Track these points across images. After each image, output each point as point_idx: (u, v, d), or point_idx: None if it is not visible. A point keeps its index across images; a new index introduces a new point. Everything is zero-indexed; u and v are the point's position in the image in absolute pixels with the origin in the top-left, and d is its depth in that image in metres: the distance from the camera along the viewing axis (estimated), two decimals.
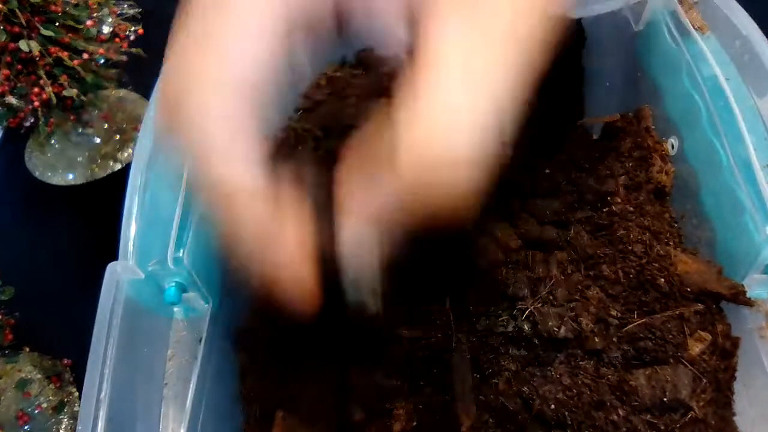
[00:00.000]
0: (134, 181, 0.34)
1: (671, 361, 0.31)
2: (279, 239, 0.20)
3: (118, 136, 0.65)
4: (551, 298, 0.33)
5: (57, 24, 0.52)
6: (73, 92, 0.54)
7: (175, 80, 0.20)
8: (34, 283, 0.57)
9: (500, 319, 0.33)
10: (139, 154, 0.34)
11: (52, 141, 0.64)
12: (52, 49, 0.52)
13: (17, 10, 0.49)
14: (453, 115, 0.17)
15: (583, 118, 0.49)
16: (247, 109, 0.20)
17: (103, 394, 0.28)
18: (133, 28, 0.60)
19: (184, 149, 0.20)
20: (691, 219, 0.39)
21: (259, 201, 0.20)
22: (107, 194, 0.62)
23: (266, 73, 0.20)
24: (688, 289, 0.32)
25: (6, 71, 0.51)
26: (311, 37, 0.22)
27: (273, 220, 0.20)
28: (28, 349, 0.52)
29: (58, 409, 0.49)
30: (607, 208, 0.38)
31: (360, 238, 0.20)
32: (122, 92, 0.67)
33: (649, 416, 0.30)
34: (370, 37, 0.22)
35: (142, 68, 0.59)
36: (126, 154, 0.64)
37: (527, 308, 0.33)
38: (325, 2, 0.22)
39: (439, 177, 0.17)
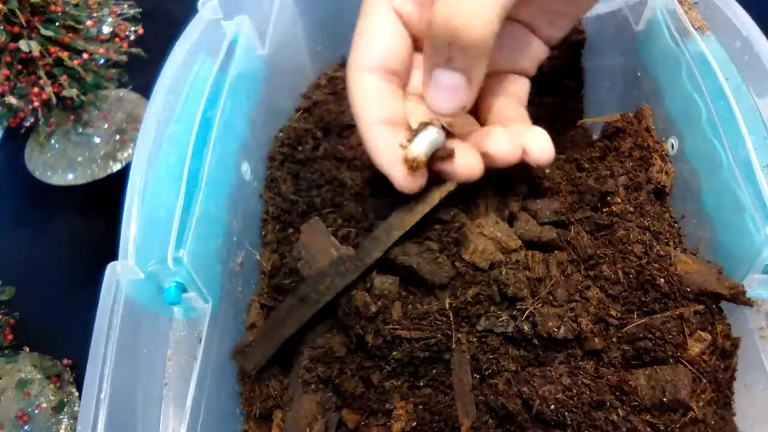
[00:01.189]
0: (134, 181, 0.34)
1: (671, 361, 0.31)
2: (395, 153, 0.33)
3: (118, 136, 0.65)
4: (551, 298, 0.33)
5: (57, 24, 0.52)
6: (73, 92, 0.54)
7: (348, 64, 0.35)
8: (34, 283, 0.57)
9: (500, 319, 0.33)
10: (139, 154, 0.34)
11: (52, 141, 0.64)
12: (52, 49, 0.52)
13: (17, 10, 0.49)
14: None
15: (583, 118, 0.49)
16: (380, 78, 0.34)
17: (103, 394, 0.28)
18: (133, 28, 0.60)
19: (351, 102, 0.34)
20: (691, 219, 0.39)
21: (387, 128, 0.33)
22: (107, 194, 0.62)
23: (391, 54, 0.34)
24: (688, 289, 0.32)
25: (6, 71, 0.51)
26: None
27: (394, 138, 0.33)
28: (28, 349, 0.52)
29: (58, 409, 0.49)
30: (607, 208, 0.38)
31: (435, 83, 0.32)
32: (122, 92, 0.67)
33: (648, 416, 0.31)
34: None
35: (142, 68, 0.59)
36: (126, 154, 0.64)
37: (527, 308, 0.33)
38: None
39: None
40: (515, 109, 0.38)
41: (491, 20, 0.29)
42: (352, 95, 0.34)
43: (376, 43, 0.34)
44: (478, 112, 0.38)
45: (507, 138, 0.34)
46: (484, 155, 0.34)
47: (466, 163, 0.34)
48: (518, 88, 0.38)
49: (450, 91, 0.32)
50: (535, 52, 0.38)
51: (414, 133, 0.33)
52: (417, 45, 0.36)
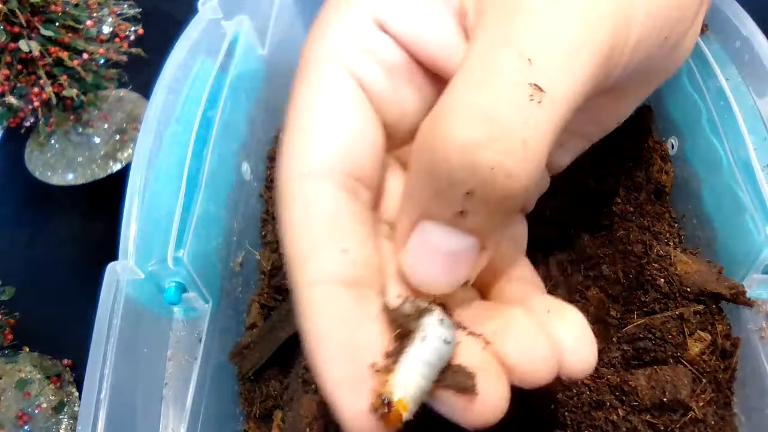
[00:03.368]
0: (134, 181, 0.33)
1: (671, 361, 0.31)
2: (358, 348, 0.18)
3: (118, 136, 0.65)
4: None
5: (57, 24, 0.52)
6: (73, 92, 0.54)
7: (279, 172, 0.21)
8: (34, 283, 0.57)
9: None
10: (139, 154, 0.34)
11: (52, 141, 0.64)
12: (52, 49, 0.52)
13: (17, 10, 0.49)
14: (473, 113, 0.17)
15: None
16: (340, 191, 0.20)
17: (103, 394, 0.28)
18: (133, 28, 0.60)
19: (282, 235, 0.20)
20: (691, 219, 0.39)
21: (346, 296, 0.19)
22: (107, 194, 0.62)
23: (357, 150, 0.20)
24: (688, 289, 0.32)
25: (6, 71, 0.51)
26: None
27: (354, 324, 0.18)
28: (28, 349, 0.52)
29: (58, 409, 0.49)
30: (607, 208, 0.38)
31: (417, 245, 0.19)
32: (122, 92, 0.67)
33: (648, 416, 0.30)
34: None
35: (142, 68, 0.59)
36: (126, 154, 0.64)
37: None
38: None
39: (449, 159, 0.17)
40: (523, 265, 0.25)
41: (543, 155, 0.17)
42: (286, 222, 0.20)
43: (333, 131, 0.20)
44: None
45: (540, 335, 0.20)
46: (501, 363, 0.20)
47: (491, 401, 0.19)
48: (519, 231, 0.27)
49: (451, 259, 0.19)
50: (539, 180, 0.28)
51: (398, 336, 0.18)
52: (388, 138, 0.22)
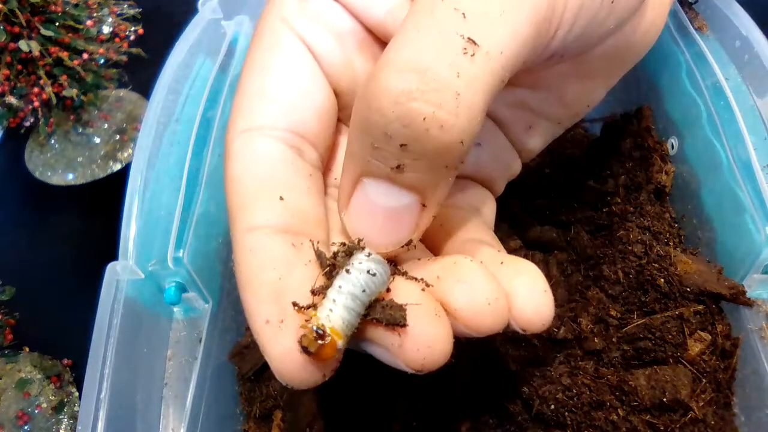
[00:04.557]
0: (134, 181, 0.34)
1: (671, 361, 0.31)
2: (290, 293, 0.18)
3: (118, 136, 0.65)
4: None
5: (57, 24, 0.52)
6: (73, 92, 0.54)
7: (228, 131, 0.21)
8: (34, 283, 0.57)
9: None
10: (139, 154, 0.34)
11: (52, 141, 0.64)
12: (52, 49, 0.52)
13: (17, 10, 0.49)
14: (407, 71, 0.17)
15: (584, 118, 0.49)
16: (283, 145, 0.21)
17: (103, 394, 0.28)
18: (133, 28, 0.60)
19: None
20: (692, 219, 0.39)
21: (280, 242, 0.19)
22: (107, 194, 0.62)
23: (304, 111, 0.21)
24: (688, 290, 0.32)
25: (6, 71, 0.51)
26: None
27: (289, 268, 0.19)
28: (28, 349, 0.52)
29: (58, 409, 0.49)
30: (607, 208, 0.38)
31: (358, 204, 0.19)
32: (122, 92, 0.67)
33: (648, 416, 0.30)
34: None
35: (142, 68, 0.59)
36: (126, 154, 0.64)
37: None
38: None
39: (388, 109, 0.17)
40: (481, 230, 0.25)
41: (478, 110, 0.17)
42: (228, 176, 0.20)
43: (278, 90, 0.21)
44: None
45: (486, 277, 0.19)
46: (445, 309, 0.19)
47: (426, 337, 0.18)
48: (483, 205, 0.27)
49: (391, 217, 0.19)
50: (507, 159, 0.27)
51: (329, 270, 0.18)
52: (342, 107, 0.23)
